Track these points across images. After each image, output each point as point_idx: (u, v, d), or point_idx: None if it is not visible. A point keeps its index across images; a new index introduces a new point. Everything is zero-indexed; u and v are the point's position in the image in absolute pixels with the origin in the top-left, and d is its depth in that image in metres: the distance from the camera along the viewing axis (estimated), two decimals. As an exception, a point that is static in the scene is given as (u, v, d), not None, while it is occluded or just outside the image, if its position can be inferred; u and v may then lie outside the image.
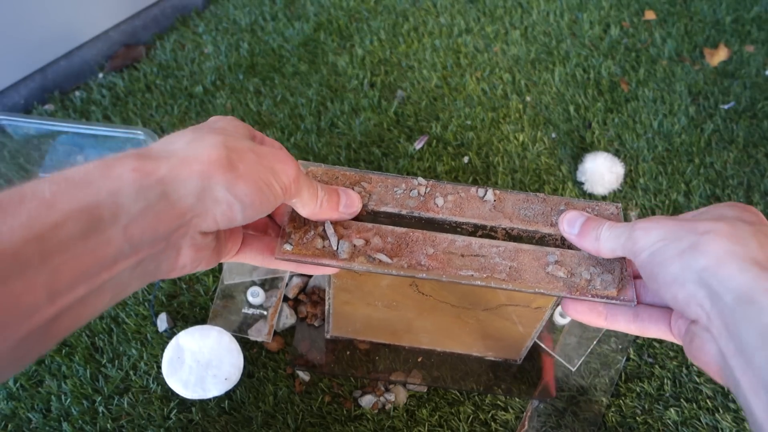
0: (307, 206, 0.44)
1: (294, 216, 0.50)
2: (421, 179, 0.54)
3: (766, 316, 0.33)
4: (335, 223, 0.51)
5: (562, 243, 0.52)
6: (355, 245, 0.50)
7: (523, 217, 0.54)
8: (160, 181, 0.32)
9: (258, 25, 1.18)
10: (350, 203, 0.49)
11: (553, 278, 0.50)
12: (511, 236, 0.55)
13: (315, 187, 0.44)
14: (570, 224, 0.50)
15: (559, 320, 0.79)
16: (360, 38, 1.13)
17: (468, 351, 0.77)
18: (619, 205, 0.53)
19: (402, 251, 0.51)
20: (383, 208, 0.53)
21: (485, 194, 0.55)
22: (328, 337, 0.78)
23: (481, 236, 0.54)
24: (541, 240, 0.53)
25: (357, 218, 0.55)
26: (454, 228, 0.54)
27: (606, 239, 0.47)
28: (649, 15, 1.16)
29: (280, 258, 0.49)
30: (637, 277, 0.51)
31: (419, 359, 0.77)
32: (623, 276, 0.49)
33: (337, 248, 0.50)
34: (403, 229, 0.52)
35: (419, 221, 0.54)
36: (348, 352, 0.77)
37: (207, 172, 0.34)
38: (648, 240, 0.41)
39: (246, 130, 0.41)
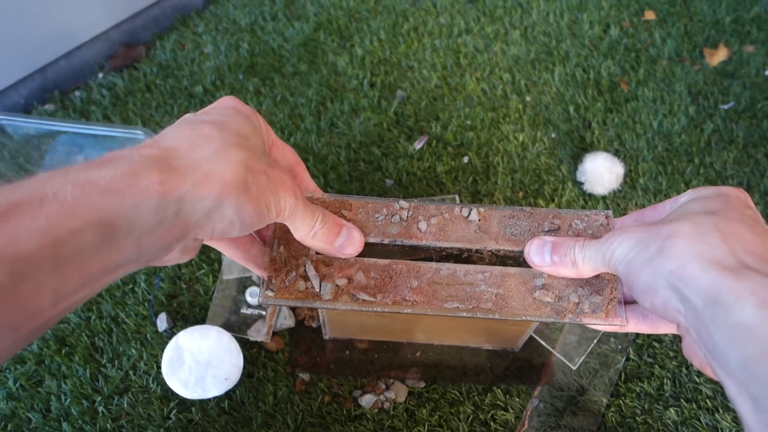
0: (298, 231, 0.44)
1: (274, 257, 0.49)
2: (402, 202, 0.53)
3: (733, 316, 0.32)
4: (316, 261, 0.50)
5: None
6: (338, 285, 0.49)
7: (510, 236, 0.52)
8: (179, 199, 0.33)
9: (258, 25, 1.18)
10: (347, 244, 0.48)
11: (541, 303, 0.49)
12: (497, 257, 0.54)
13: (313, 217, 0.44)
14: (537, 255, 0.49)
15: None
16: (360, 38, 1.13)
17: (465, 344, 0.77)
18: (610, 213, 0.52)
19: (386, 286, 0.50)
20: (365, 238, 0.52)
21: (469, 214, 0.53)
22: (326, 338, 0.78)
23: (466, 260, 0.54)
24: None
25: None
26: (439, 253, 0.54)
27: (584, 262, 0.46)
28: (649, 15, 1.16)
29: (264, 304, 0.49)
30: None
31: (418, 354, 0.77)
32: (612, 296, 0.49)
33: (320, 290, 0.49)
34: (386, 261, 0.51)
35: (402, 249, 0.53)
36: (347, 352, 0.77)
37: (224, 193, 0.35)
38: (621, 251, 0.41)
39: (263, 137, 0.42)
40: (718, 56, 1.09)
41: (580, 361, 0.76)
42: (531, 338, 0.78)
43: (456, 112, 1.02)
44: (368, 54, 1.11)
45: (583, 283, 0.49)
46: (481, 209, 0.53)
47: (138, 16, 1.16)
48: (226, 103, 0.41)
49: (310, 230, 0.44)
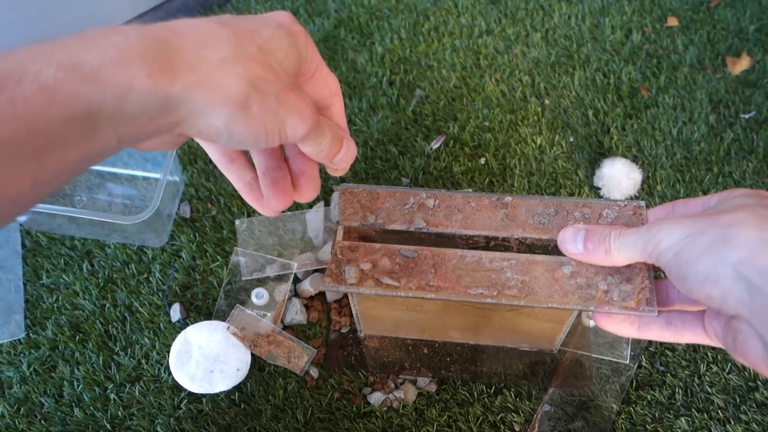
0: (306, 148, 0.41)
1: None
2: (430, 191, 0.53)
3: None
4: (342, 246, 0.51)
5: None
6: (362, 269, 0.49)
7: (537, 224, 0.52)
8: (168, 97, 0.31)
9: (278, 20, 1.18)
10: (345, 158, 0.44)
11: (568, 291, 0.48)
12: (524, 246, 0.53)
13: (324, 136, 0.40)
14: (571, 243, 0.48)
15: (588, 322, 0.78)
16: (380, 36, 1.13)
17: (501, 343, 0.76)
18: (643, 203, 0.51)
19: (410, 271, 0.50)
20: (392, 226, 0.52)
21: (497, 203, 0.53)
22: (361, 336, 0.77)
23: (493, 248, 0.53)
24: (556, 248, 0.51)
25: (366, 237, 0.54)
26: (465, 241, 0.53)
27: (618, 250, 0.44)
28: (672, 21, 1.15)
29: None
30: (658, 277, 0.49)
31: (443, 354, 0.77)
32: (644, 285, 0.47)
33: (344, 273, 0.49)
34: (412, 248, 0.51)
35: (429, 237, 0.53)
36: (356, 350, 0.77)
37: (216, 103, 0.32)
38: (671, 240, 0.39)
39: (299, 59, 0.37)
40: (741, 65, 1.08)
41: (628, 352, 0.75)
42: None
43: (474, 113, 1.02)
44: (388, 52, 1.11)
45: (613, 271, 0.48)
46: (509, 198, 0.53)
47: (160, 8, 1.16)
48: (276, 15, 0.38)
49: (318, 148, 0.41)
